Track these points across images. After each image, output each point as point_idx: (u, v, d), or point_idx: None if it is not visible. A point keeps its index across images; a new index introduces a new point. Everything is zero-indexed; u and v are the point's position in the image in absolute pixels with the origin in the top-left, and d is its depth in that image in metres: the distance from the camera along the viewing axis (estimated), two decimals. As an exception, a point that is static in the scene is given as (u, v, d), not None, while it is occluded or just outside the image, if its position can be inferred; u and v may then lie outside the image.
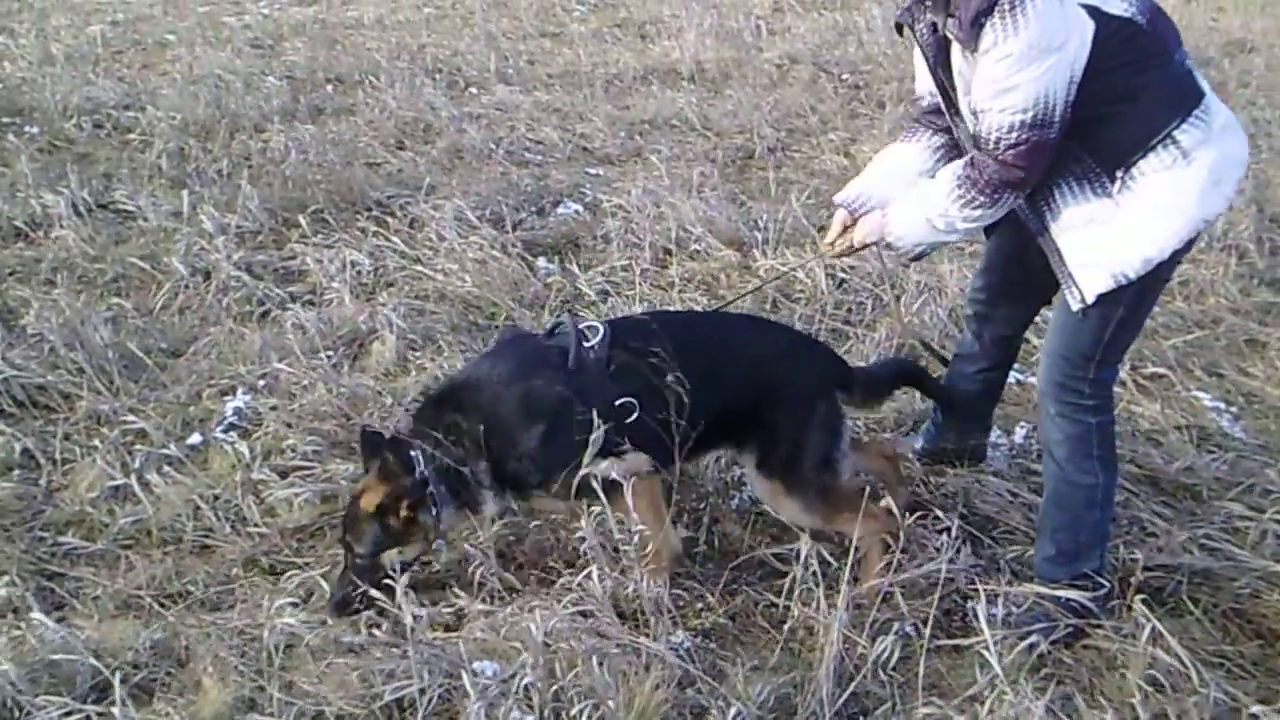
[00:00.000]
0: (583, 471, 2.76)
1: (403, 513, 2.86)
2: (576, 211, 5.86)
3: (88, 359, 4.09)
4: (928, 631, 2.71)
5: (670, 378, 2.87)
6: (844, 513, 2.99)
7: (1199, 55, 8.33)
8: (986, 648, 2.63)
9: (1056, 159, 2.66)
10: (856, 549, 2.99)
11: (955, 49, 2.68)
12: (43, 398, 4.01)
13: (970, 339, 3.51)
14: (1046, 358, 2.96)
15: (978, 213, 2.72)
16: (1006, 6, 2.47)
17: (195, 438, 3.78)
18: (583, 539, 2.77)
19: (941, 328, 4.55)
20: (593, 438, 2.75)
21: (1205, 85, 2.72)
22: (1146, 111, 2.62)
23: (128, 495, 3.47)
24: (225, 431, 3.83)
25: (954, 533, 3.02)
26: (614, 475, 2.79)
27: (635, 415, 2.86)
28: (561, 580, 2.82)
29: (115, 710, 2.49)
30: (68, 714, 2.49)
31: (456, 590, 2.94)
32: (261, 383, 4.10)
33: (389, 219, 5.52)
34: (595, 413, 2.78)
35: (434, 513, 2.91)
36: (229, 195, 5.59)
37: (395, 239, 5.26)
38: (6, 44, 8.61)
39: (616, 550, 2.83)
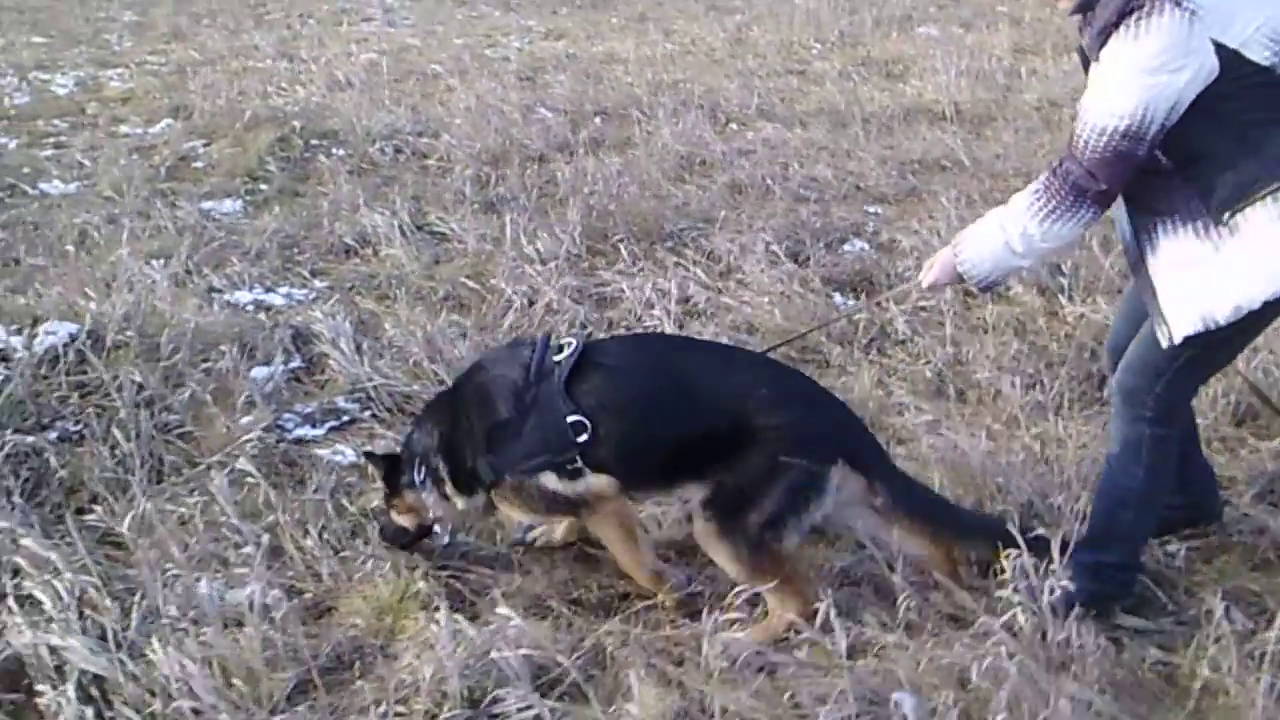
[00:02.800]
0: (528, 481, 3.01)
1: (389, 482, 3.30)
2: (864, 249, 5.91)
3: (447, 370, 4.35)
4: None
5: (632, 399, 3.00)
6: (768, 575, 2.89)
7: None
8: None
9: (1164, 196, 2.71)
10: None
11: (1092, 65, 2.75)
12: (409, 405, 4.29)
13: None
14: (1124, 361, 3.00)
15: (1055, 227, 2.72)
16: (1132, 20, 2.53)
17: (555, 453, 3.97)
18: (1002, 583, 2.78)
19: (1275, 377, 4.38)
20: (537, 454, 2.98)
21: None
22: (1262, 162, 2.61)
23: (512, 503, 3.67)
24: (582, 449, 4.00)
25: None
26: (570, 494, 3.00)
27: (587, 435, 2.92)
28: (980, 621, 2.83)
29: (563, 706, 2.65)
30: (525, 708, 2.64)
31: (868, 616, 2.99)
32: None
33: (684, 250, 5.70)
34: (544, 429, 2.95)
35: (418, 493, 3.22)
36: (536, 222, 5.87)
37: (696, 270, 5.43)
38: (296, 69, 9.28)
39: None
